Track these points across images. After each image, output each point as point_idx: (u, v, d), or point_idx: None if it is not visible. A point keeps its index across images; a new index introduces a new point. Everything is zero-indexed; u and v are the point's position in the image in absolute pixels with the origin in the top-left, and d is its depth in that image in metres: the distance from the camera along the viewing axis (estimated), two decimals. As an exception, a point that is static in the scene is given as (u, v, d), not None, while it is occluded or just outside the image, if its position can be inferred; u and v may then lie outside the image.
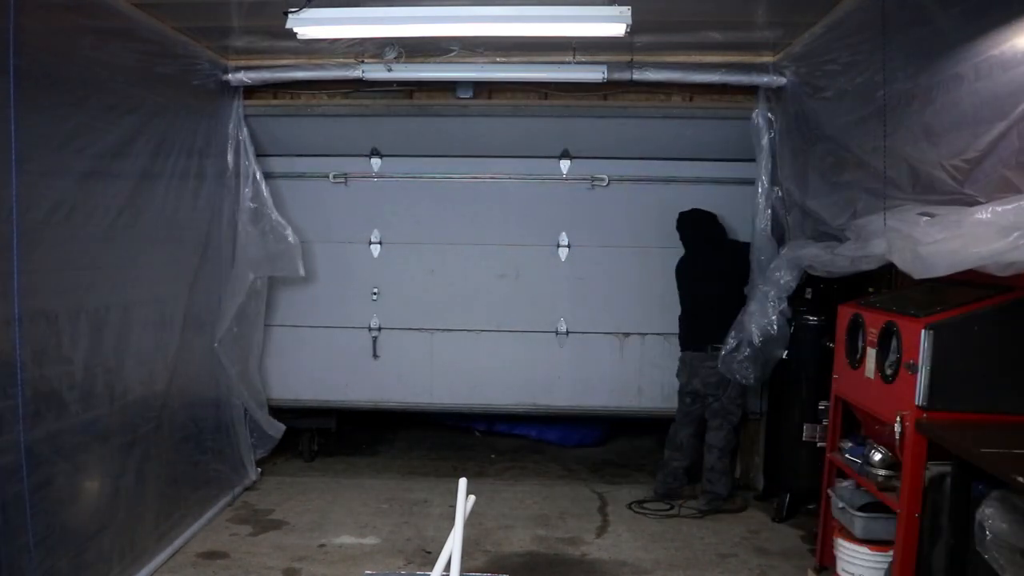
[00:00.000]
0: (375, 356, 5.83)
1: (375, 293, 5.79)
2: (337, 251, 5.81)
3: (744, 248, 5.27)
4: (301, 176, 5.71)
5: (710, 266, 5.23)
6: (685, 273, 5.33)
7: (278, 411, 5.76)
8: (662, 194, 5.46)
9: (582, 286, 5.76)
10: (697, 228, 5.27)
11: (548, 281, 5.77)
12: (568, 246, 5.74)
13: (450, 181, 5.74)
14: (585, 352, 5.79)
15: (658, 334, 5.67)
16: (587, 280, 5.75)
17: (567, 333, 5.78)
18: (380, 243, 5.78)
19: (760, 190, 5.06)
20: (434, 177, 5.74)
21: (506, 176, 5.73)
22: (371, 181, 5.77)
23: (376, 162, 5.74)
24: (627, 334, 5.76)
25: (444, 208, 5.75)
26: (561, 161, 5.68)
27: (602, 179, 5.66)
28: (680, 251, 5.37)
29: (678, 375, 5.31)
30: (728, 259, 5.22)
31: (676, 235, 5.32)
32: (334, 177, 5.72)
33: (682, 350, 5.30)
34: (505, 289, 5.78)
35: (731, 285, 5.17)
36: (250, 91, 5.35)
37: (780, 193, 4.98)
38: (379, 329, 5.80)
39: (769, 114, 5.04)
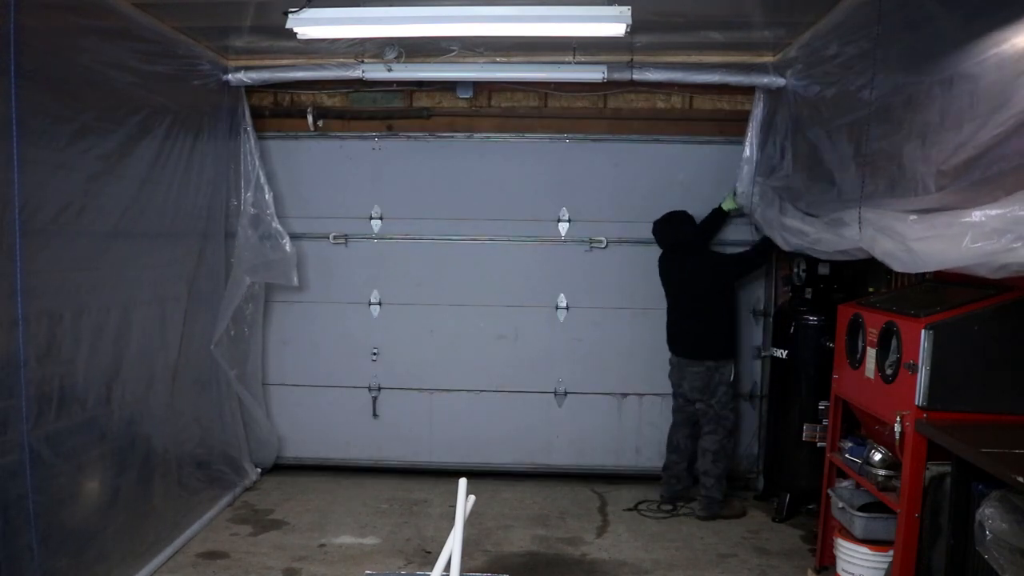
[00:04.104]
0: (375, 415, 5.85)
1: (375, 353, 5.82)
2: (337, 311, 5.82)
3: (722, 257, 5.30)
4: (302, 236, 5.69)
5: (684, 271, 5.19)
6: (663, 275, 5.32)
7: (283, 468, 5.83)
8: (659, 256, 5.43)
9: (580, 347, 5.76)
10: (671, 232, 5.22)
11: (546, 342, 5.77)
12: (566, 307, 5.75)
13: (449, 242, 5.75)
14: (583, 412, 5.79)
15: (656, 394, 5.68)
16: (585, 341, 5.75)
17: (565, 393, 5.80)
18: (379, 304, 5.81)
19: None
20: (433, 239, 5.75)
21: (505, 238, 5.73)
22: (371, 243, 5.79)
23: (376, 223, 5.76)
24: (625, 394, 5.76)
25: (443, 269, 5.76)
26: (560, 223, 5.70)
27: (600, 241, 5.66)
28: None
29: (670, 376, 5.31)
30: (703, 264, 5.16)
31: None
32: (334, 238, 5.74)
33: (670, 352, 5.31)
34: (504, 350, 5.78)
35: (709, 291, 5.13)
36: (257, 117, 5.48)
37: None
38: (379, 389, 5.83)
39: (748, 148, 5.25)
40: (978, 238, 2.61)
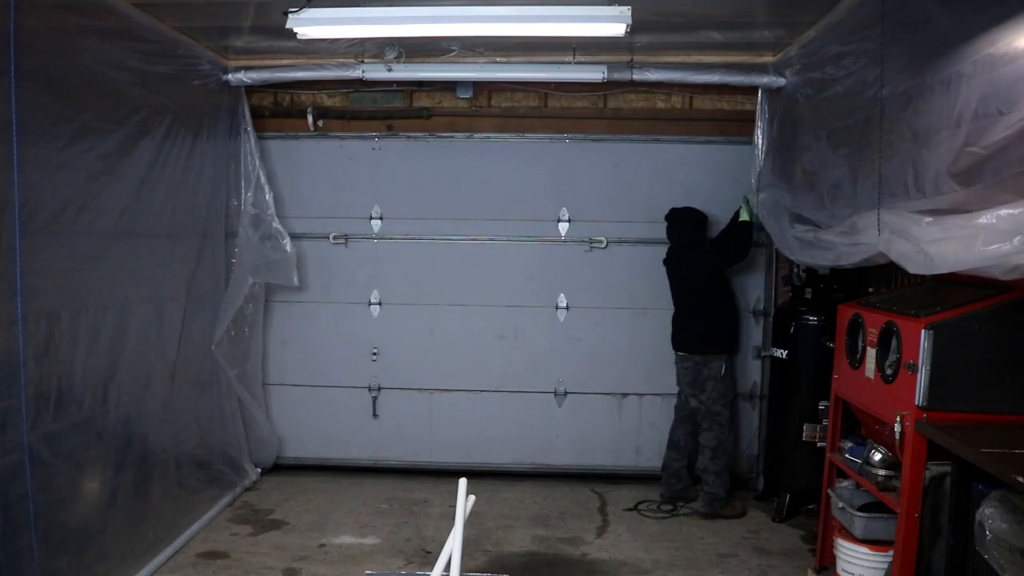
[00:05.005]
0: (375, 415, 5.85)
1: (375, 353, 5.82)
2: (337, 311, 5.82)
3: (711, 245, 5.29)
4: (302, 236, 5.68)
5: (686, 268, 5.21)
6: (669, 270, 5.33)
7: (283, 468, 5.83)
8: (660, 256, 5.43)
9: (580, 347, 5.76)
10: (678, 227, 5.24)
11: (546, 342, 5.77)
12: (566, 307, 5.75)
13: (449, 242, 5.75)
14: (583, 412, 5.79)
15: (656, 394, 5.69)
16: (585, 341, 5.75)
17: (565, 393, 5.80)
18: (379, 304, 5.81)
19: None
20: (433, 239, 5.75)
21: (505, 238, 5.73)
22: (371, 243, 5.79)
23: (376, 223, 5.76)
24: (625, 394, 5.76)
25: (443, 269, 5.76)
26: (560, 223, 5.70)
27: (600, 241, 5.66)
28: None
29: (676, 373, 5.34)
30: (706, 262, 5.17)
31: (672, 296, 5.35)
32: (334, 238, 5.74)
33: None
34: (504, 350, 5.78)
35: (701, 286, 5.15)
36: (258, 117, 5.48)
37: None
38: (379, 389, 5.83)
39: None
40: (990, 240, 2.60)
